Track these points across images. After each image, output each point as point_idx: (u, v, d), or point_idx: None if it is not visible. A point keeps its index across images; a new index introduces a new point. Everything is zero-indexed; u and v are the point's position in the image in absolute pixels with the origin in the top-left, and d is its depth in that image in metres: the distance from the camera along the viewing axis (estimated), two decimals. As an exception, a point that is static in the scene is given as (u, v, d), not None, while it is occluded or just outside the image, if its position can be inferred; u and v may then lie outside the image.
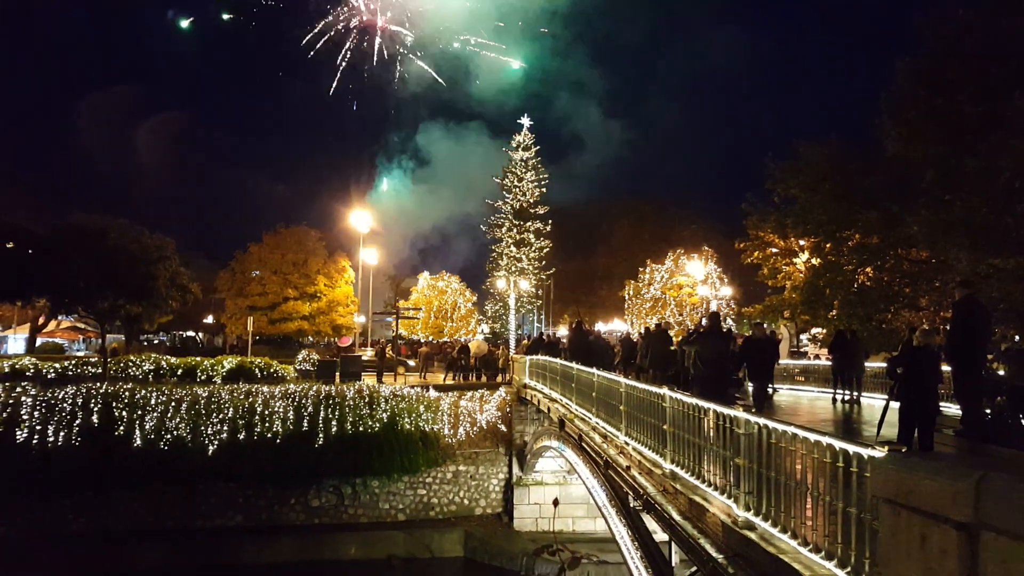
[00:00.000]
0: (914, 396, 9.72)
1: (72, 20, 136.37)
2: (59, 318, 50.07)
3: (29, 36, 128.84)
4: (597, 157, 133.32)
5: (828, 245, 31.04)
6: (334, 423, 26.03)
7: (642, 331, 26.30)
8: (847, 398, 18.18)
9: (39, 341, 52.26)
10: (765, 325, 17.35)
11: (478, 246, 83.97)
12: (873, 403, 16.65)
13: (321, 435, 25.81)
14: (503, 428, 28.00)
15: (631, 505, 12.44)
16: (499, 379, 34.66)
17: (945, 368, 11.47)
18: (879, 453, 5.12)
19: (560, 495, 26.13)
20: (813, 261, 34.28)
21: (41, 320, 50.06)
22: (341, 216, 60.04)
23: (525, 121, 76.65)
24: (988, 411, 10.37)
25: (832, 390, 19.09)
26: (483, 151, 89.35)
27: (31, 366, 34.58)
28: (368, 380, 32.32)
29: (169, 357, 38.31)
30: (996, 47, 21.13)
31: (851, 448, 5.56)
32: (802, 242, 36.33)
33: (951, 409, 12.77)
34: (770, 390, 19.85)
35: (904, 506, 4.52)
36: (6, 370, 34.06)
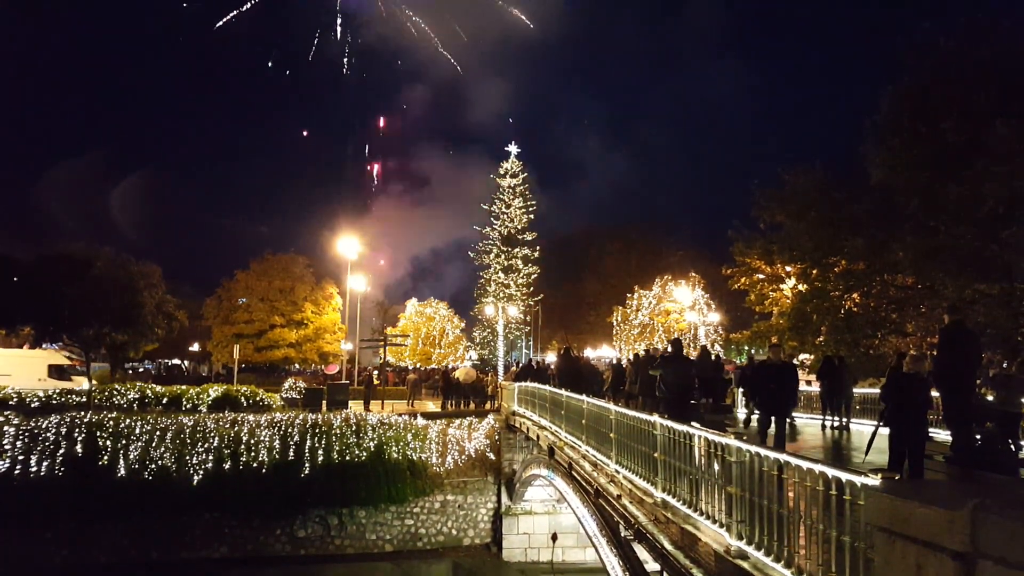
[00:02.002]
0: (904, 422, 9.71)
1: (61, 58, 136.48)
2: (44, 346, 49.55)
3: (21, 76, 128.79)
4: (588, 184, 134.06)
5: (814, 271, 31.13)
6: (320, 452, 25.72)
7: (631, 357, 26.22)
8: (836, 424, 18.19)
9: (23, 369, 51.57)
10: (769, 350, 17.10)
11: (470, 272, 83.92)
12: (862, 429, 16.64)
13: (307, 464, 25.50)
14: (492, 456, 27.78)
15: (622, 534, 12.32)
16: (488, 406, 34.47)
17: (934, 394, 11.49)
18: (873, 481, 5.08)
19: (550, 525, 25.88)
20: (800, 287, 34.34)
21: (25, 348, 49.51)
22: (331, 242, 59.92)
23: (513, 148, 77.22)
24: (978, 437, 10.38)
25: (821, 416, 19.10)
26: (481, 176, 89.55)
27: (14, 394, 34.09)
28: (355, 408, 32.05)
29: (154, 385, 37.84)
30: (978, 75, 21.44)
31: (844, 476, 5.52)
32: (788, 268, 36.41)
33: (940, 435, 12.78)
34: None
35: (899, 535, 4.47)
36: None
